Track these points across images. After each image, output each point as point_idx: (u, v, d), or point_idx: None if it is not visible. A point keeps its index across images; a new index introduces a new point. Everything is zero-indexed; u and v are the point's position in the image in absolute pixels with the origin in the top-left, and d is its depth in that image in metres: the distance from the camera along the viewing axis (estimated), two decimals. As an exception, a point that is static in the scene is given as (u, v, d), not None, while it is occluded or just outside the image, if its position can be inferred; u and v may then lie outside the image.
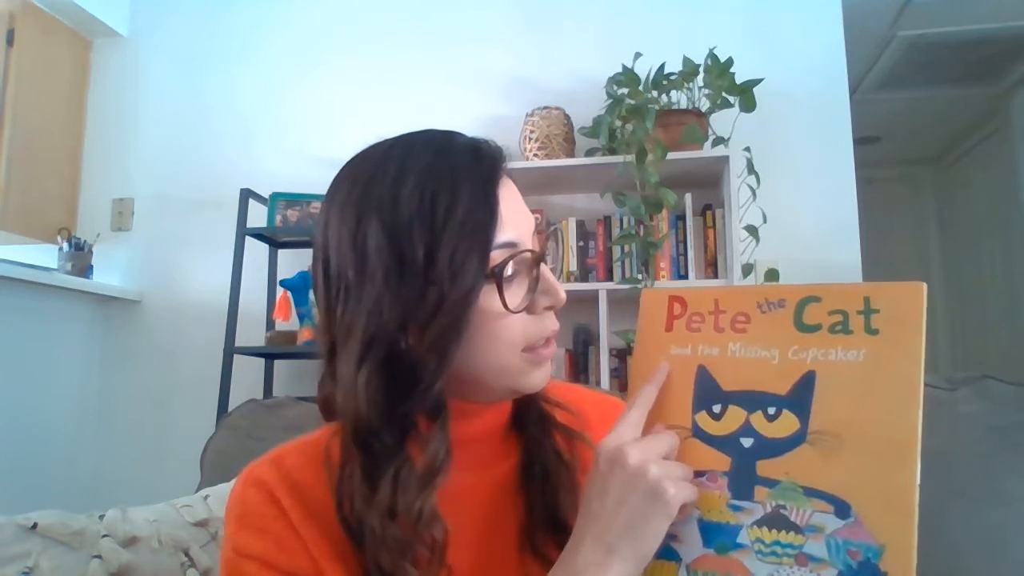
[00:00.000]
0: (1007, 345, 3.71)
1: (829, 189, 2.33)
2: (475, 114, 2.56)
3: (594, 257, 2.31)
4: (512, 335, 0.56)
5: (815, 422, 0.47)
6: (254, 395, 1.66)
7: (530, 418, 0.65)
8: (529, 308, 0.57)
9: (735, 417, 0.50)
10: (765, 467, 0.48)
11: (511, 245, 0.55)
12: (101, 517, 0.84)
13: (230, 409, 1.44)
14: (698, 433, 0.51)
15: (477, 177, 0.55)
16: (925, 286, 0.46)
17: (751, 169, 2.10)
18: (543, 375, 0.60)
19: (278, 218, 2.46)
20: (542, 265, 0.57)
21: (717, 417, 0.51)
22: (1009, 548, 0.80)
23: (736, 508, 0.48)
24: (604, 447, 0.50)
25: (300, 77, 2.73)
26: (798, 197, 2.30)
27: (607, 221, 2.32)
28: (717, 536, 0.49)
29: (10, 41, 2.50)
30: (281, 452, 0.62)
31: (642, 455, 0.48)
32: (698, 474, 0.50)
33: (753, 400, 0.50)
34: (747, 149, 2.13)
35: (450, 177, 0.54)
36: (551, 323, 0.59)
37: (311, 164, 2.62)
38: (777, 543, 0.46)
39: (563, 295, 0.58)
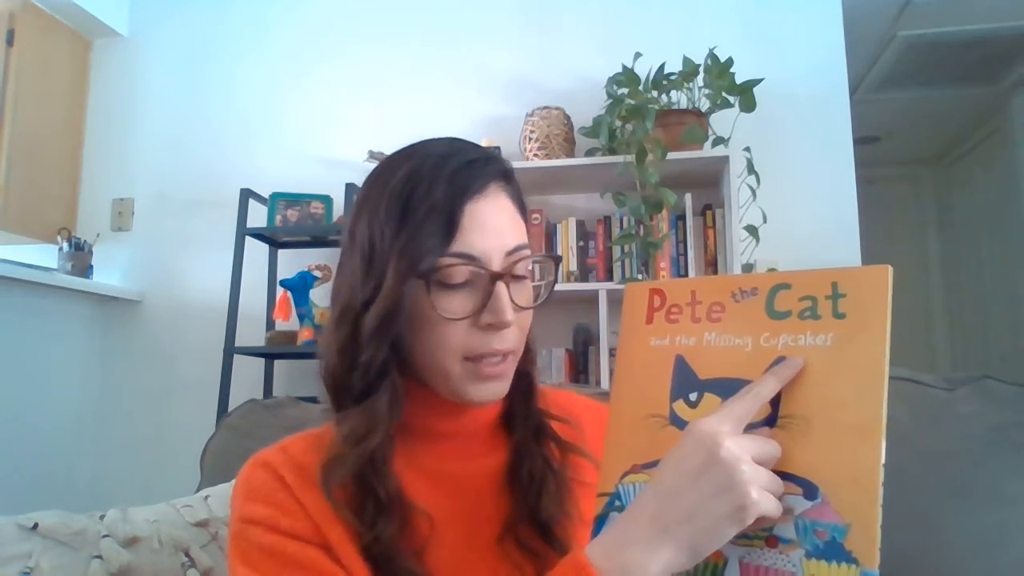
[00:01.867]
0: (1007, 345, 3.71)
1: (829, 189, 2.33)
2: (475, 114, 2.56)
3: (594, 257, 2.31)
4: (449, 341, 0.59)
5: (785, 406, 0.48)
6: (254, 395, 1.66)
7: (521, 423, 0.66)
8: (472, 320, 0.59)
9: (710, 404, 0.51)
10: None
11: (467, 257, 0.58)
12: (101, 517, 0.84)
13: (230, 409, 1.44)
14: (675, 421, 0.52)
15: (452, 185, 0.58)
16: (890, 268, 0.47)
17: (751, 169, 2.10)
18: (489, 391, 0.61)
19: (278, 218, 2.46)
20: (499, 284, 0.58)
21: (693, 405, 0.52)
22: (1008, 547, 0.80)
23: None
24: (698, 427, 0.46)
25: (300, 77, 2.73)
26: (798, 197, 2.30)
27: (607, 221, 2.33)
28: None
29: (10, 41, 2.50)
30: (288, 441, 0.65)
31: (738, 450, 0.45)
32: None
33: (727, 387, 0.50)
34: (747, 149, 2.13)
35: (429, 180, 0.58)
36: (496, 341, 0.59)
37: (311, 164, 2.62)
38: None
39: (508, 318, 0.58)
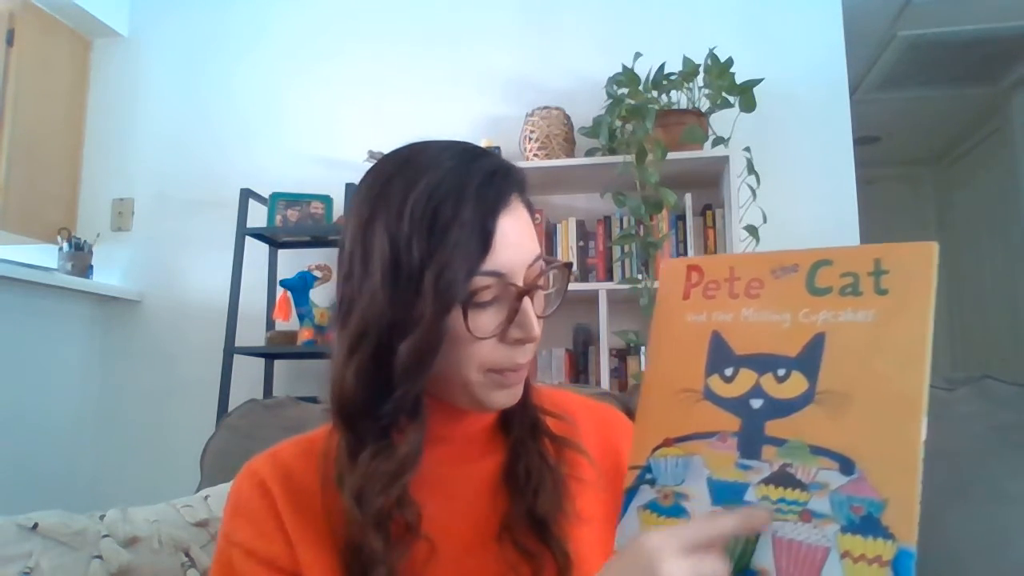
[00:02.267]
0: (1007, 345, 3.71)
1: (829, 189, 2.33)
2: (475, 114, 2.56)
3: (594, 257, 2.31)
4: (476, 357, 0.58)
5: (823, 382, 0.48)
6: (254, 395, 1.66)
7: (518, 421, 0.66)
8: (500, 336, 0.58)
9: (746, 380, 0.51)
10: (773, 427, 0.49)
11: (496, 275, 0.56)
12: (101, 517, 0.84)
13: (230, 409, 1.44)
14: (709, 396, 0.52)
15: (482, 201, 0.56)
16: (936, 245, 0.46)
17: (751, 169, 2.10)
18: (507, 397, 0.61)
19: (278, 218, 2.46)
20: (526, 299, 0.58)
21: (728, 380, 0.52)
22: (1009, 547, 0.80)
23: (744, 467, 0.49)
24: (645, 541, 0.47)
25: (300, 77, 2.73)
26: (798, 197, 2.30)
27: (607, 221, 2.32)
28: (725, 494, 0.50)
29: (10, 41, 2.49)
30: (280, 446, 0.66)
31: (677, 572, 0.45)
32: (708, 435, 0.51)
33: (764, 362, 0.50)
34: (747, 149, 2.13)
35: (456, 196, 0.56)
36: (520, 355, 0.59)
37: (311, 164, 2.62)
38: (782, 500, 0.47)
39: (536, 332, 0.58)
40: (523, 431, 0.66)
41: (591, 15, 2.57)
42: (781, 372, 0.50)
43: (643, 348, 2.20)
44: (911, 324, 0.46)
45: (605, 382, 2.19)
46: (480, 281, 0.56)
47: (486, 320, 0.57)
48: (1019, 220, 3.60)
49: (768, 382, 0.50)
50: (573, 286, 2.24)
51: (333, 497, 0.59)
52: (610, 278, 2.26)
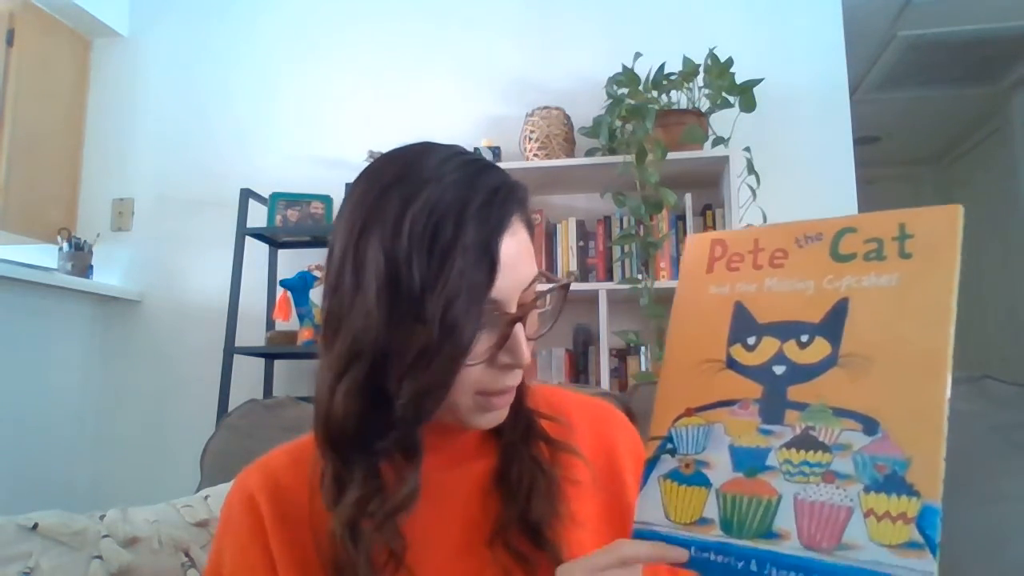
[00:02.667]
0: (1007, 345, 3.71)
1: (829, 189, 2.33)
2: (475, 114, 2.56)
3: (594, 257, 2.31)
4: (465, 381, 0.56)
5: (846, 346, 0.48)
6: (254, 395, 1.66)
7: (511, 424, 0.64)
8: (489, 361, 0.56)
9: (769, 347, 0.51)
10: (796, 392, 0.49)
11: (493, 302, 0.54)
12: (102, 517, 0.84)
13: (230, 409, 1.44)
14: (732, 364, 0.53)
15: (484, 223, 0.53)
16: (961, 208, 0.46)
17: (751, 169, 2.10)
18: (493, 418, 0.60)
19: (278, 218, 2.46)
20: (517, 325, 0.56)
21: (751, 348, 0.52)
22: (1008, 547, 0.80)
23: (766, 432, 0.50)
24: (559, 571, 0.51)
25: (300, 77, 2.73)
26: (798, 197, 2.30)
27: (607, 221, 2.32)
28: (747, 460, 0.50)
29: (10, 41, 2.49)
30: (271, 455, 0.66)
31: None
32: (730, 403, 0.52)
33: (786, 329, 0.51)
34: (747, 149, 2.13)
35: (457, 215, 0.52)
36: (509, 379, 0.58)
37: (311, 164, 2.62)
38: (805, 463, 0.47)
39: (526, 359, 0.56)
40: (516, 434, 0.64)
41: (591, 15, 2.57)
42: (804, 338, 0.50)
43: (643, 348, 2.20)
44: (936, 286, 0.46)
45: (605, 382, 2.19)
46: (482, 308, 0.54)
47: (476, 345, 0.54)
48: (1019, 220, 3.60)
49: (791, 348, 0.50)
50: (573, 286, 2.23)
51: (319, 510, 0.58)
52: (610, 278, 2.26)
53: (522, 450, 0.64)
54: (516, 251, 0.56)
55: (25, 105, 2.53)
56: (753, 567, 0.47)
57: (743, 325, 0.53)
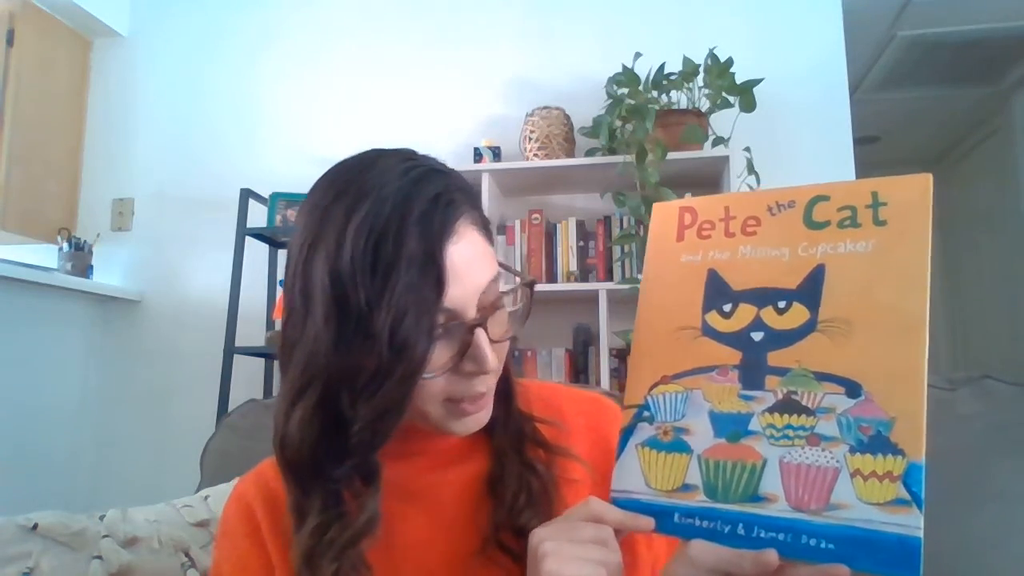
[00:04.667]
0: (1007, 345, 3.71)
1: (829, 189, 2.33)
2: (475, 114, 2.55)
3: (594, 257, 2.31)
4: (431, 391, 0.55)
5: (825, 311, 0.49)
6: (254, 395, 1.66)
7: (501, 427, 0.63)
8: (453, 370, 0.54)
9: (745, 314, 0.51)
10: (776, 357, 0.50)
11: (448, 312, 0.53)
12: (101, 517, 0.84)
13: (230, 409, 1.44)
14: (708, 331, 0.53)
15: (427, 234, 0.51)
16: (931, 176, 0.48)
17: (751, 169, 2.10)
18: (471, 424, 0.59)
19: (278, 218, 2.46)
20: (478, 331, 0.54)
21: (727, 315, 0.52)
22: (1008, 547, 0.80)
23: (747, 398, 0.50)
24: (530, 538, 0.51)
25: (300, 77, 2.73)
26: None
27: (607, 221, 2.32)
28: (728, 425, 0.50)
29: (10, 41, 2.50)
30: (266, 464, 0.66)
31: (544, 534, 0.49)
32: (708, 369, 0.52)
33: (763, 296, 0.51)
34: (747, 149, 2.13)
35: (397, 227, 0.51)
36: (479, 385, 0.56)
37: (311, 164, 2.60)
38: (789, 427, 0.48)
39: (490, 364, 0.54)
40: (507, 437, 0.63)
41: (591, 15, 2.57)
42: (782, 304, 0.50)
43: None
44: (910, 251, 0.47)
45: (605, 382, 2.19)
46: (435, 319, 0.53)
47: (436, 355, 0.52)
48: (1019, 220, 3.59)
49: (769, 314, 0.51)
50: (573, 286, 2.24)
51: None
52: (610, 278, 2.26)
53: (513, 455, 0.62)
54: (469, 256, 0.54)
55: (25, 105, 2.53)
56: (740, 531, 0.48)
57: (718, 292, 0.53)
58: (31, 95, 2.57)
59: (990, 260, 3.92)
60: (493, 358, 0.55)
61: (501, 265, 0.60)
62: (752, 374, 0.50)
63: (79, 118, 2.83)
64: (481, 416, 0.59)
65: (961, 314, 4.23)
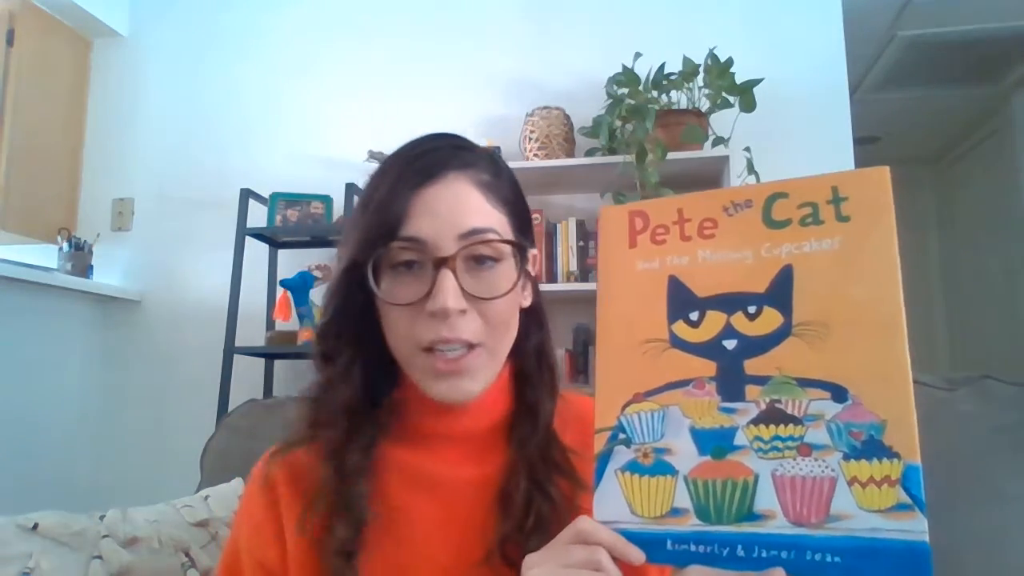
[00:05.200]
0: (1007, 345, 3.71)
1: (829, 189, 2.33)
2: (475, 114, 2.55)
3: (594, 257, 2.31)
4: (399, 326, 0.59)
5: (799, 314, 0.47)
6: (254, 395, 1.66)
7: (523, 443, 0.63)
8: (419, 308, 0.57)
9: (715, 322, 0.49)
10: (753, 365, 0.48)
11: (413, 240, 0.58)
12: (101, 518, 0.84)
13: (230, 409, 1.44)
14: (677, 343, 0.50)
15: (404, 177, 0.59)
16: (888, 169, 0.48)
17: (751, 169, 2.10)
18: (449, 389, 0.59)
19: (278, 218, 2.46)
20: (442, 270, 0.56)
21: (695, 324, 0.50)
22: (1008, 548, 0.80)
23: (728, 411, 0.48)
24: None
25: (300, 77, 2.73)
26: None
27: (607, 221, 2.32)
28: (712, 442, 0.48)
29: (10, 41, 2.50)
30: (294, 435, 0.67)
31: (537, 559, 0.49)
32: (682, 383, 0.49)
33: (731, 302, 0.49)
34: (747, 149, 2.13)
35: (386, 176, 0.61)
36: (445, 329, 0.57)
37: (311, 164, 2.62)
38: (777, 437, 0.46)
39: (446, 303, 0.56)
40: (524, 455, 0.62)
41: (591, 15, 2.57)
42: (752, 309, 0.48)
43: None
44: (878, 246, 0.46)
45: (605, 382, 2.19)
46: (394, 245, 0.58)
47: (404, 289, 0.58)
48: (1019, 220, 3.59)
49: (739, 321, 0.48)
50: (573, 286, 2.24)
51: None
52: (610, 278, 2.25)
53: (526, 473, 0.61)
54: (446, 199, 0.59)
55: (25, 105, 2.53)
56: (740, 552, 0.46)
57: (682, 300, 0.50)
58: (31, 95, 2.57)
59: (990, 260, 3.92)
60: (452, 299, 0.56)
61: (508, 242, 0.61)
62: (730, 385, 0.48)
63: (79, 118, 2.83)
64: (462, 384, 0.59)
65: (961, 314, 4.23)
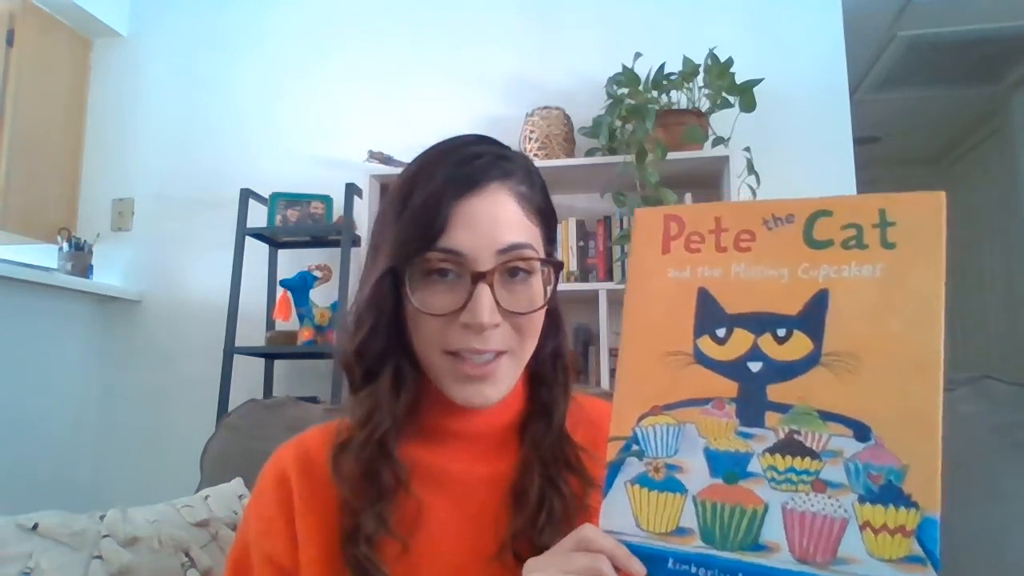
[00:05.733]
0: (1007, 345, 3.71)
1: (829, 189, 2.31)
2: (475, 114, 2.55)
3: (594, 257, 2.31)
4: (428, 333, 0.59)
5: (830, 342, 0.44)
6: (254, 395, 1.66)
7: (535, 441, 0.64)
8: (452, 318, 0.57)
9: (742, 341, 0.47)
10: (776, 391, 0.46)
11: (452, 252, 0.57)
12: (102, 517, 0.84)
13: (230, 409, 1.44)
14: (701, 359, 0.48)
15: (448, 183, 0.58)
16: (944, 195, 0.44)
17: (751, 169, 2.10)
18: (473, 394, 0.59)
19: (278, 218, 2.46)
20: (480, 285, 0.56)
21: (721, 341, 0.48)
22: (1008, 547, 0.80)
23: (746, 436, 0.46)
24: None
25: (300, 77, 2.73)
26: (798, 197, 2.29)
27: (607, 221, 2.32)
28: (725, 465, 0.46)
29: (10, 41, 2.49)
30: (308, 433, 0.68)
31: (535, 565, 0.49)
32: (702, 401, 0.48)
33: (761, 322, 0.47)
34: (747, 149, 2.13)
35: (426, 180, 0.59)
36: (476, 341, 0.58)
37: (311, 164, 2.62)
38: (792, 470, 0.44)
39: (483, 319, 0.56)
40: (538, 453, 0.63)
41: (591, 15, 2.57)
42: (781, 332, 0.46)
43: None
44: (923, 279, 0.44)
45: (605, 382, 2.19)
46: (432, 255, 0.57)
47: (439, 298, 0.58)
48: (1019, 220, 3.59)
49: (767, 343, 0.46)
50: (573, 286, 2.24)
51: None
52: (610, 278, 2.26)
53: (540, 470, 0.62)
54: (489, 211, 0.58)
55: (25, 105, 2.53)
56: None
57: (710, 315, 0.48)
58: (31, 95, 2.56)
59: (990, 260, 3.92)
60: (488, 314, 0.56)
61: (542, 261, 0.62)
62: (750, 409, 0.46)
63: (79, 118, 2.83)
64: (485, 389, 0.59)
65: (961, 314, 4.23)
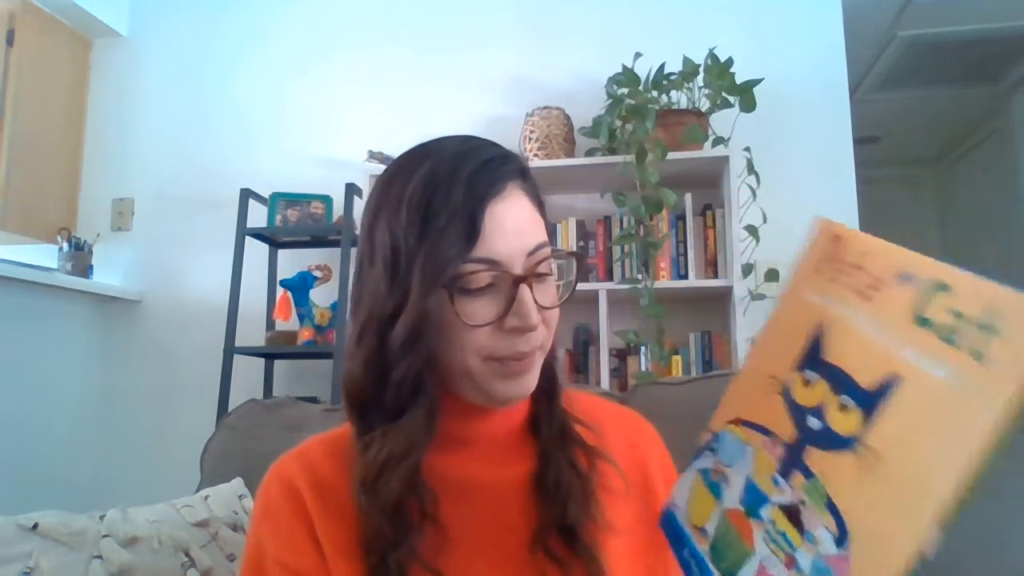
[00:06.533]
0: (1007, 345, 3.70)
1: (829, 189, 2.33)
2: (475, 114, 2.55)
3: (594, 257, 2.31)
4: (473, 344, 0.57)
5: (874, 432, 0.42)
6: (254, 395, 1.66)
7: (546, 425, 0.65)
8: (496, 324, 0.57)
9: (819, 393, 0.46)
10: (812, 456, 0.45)
11: (489, 262, 0.56)
12: (102, 517, 0.84)
13: (230, 409, 1.44)
14: (784, 393, 0.49)
15: (473, 188, 0.56)
16: None
17: (751, 169, 2.10)
18: (514, 387, 0.60)
19: (278, 218, 2.46)
20: (522, 287, 0.57)
21: (807, 384, 0.47)
22: (1006, 546, 0.80)
23: (776, 482, 0.48)
24: None
25: (300, 77, 2.73)
26: (798, 197, 2.30)
27: (607, 221, 2.32)
28: (751, 499, 0.49)
29: (10, 41, 2.50)
30: (308, 445, 0.66)
31: None
32: (767, 432, 0.49)
33: (841, 383, 0.45)
34: (747, 149, 2.13)
35: (448, 183, 0.56)
36: (521, 343, 0.58)
37: (311, 164, 2.62)
38: (783, 535, 0.46)
39: (533, 320, 0.57)
40: (552, 437, 0.64)
41: (591, 15, 2.57)
42: (848, 401, 0.44)
43: (643, 348, 2.19)
44: (988, 416, 0.36)
45: (605, 382, 2.19)
46: (470, 267, 0.55)
47: (481, 308, 0.56)
48: (1019, 220, 3.60)
49: (832, 405, 0.45)
50: (573, 286, 2.24)
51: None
52: (610, 278, 2.26)
53: (558, 454, 0.63)
54: (515, 216, 0.58)
55: (25, 105, 2.53)
56: None
57: (812, 354, 0.47)
58: (31, 95, 2.57)
59: (990, 260, 3.92)
60: (536, 315, 0.57)
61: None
62: (789, 461, 0.47)
63: (79, 118, 2.83)
64: (524, 382, 0.60)
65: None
